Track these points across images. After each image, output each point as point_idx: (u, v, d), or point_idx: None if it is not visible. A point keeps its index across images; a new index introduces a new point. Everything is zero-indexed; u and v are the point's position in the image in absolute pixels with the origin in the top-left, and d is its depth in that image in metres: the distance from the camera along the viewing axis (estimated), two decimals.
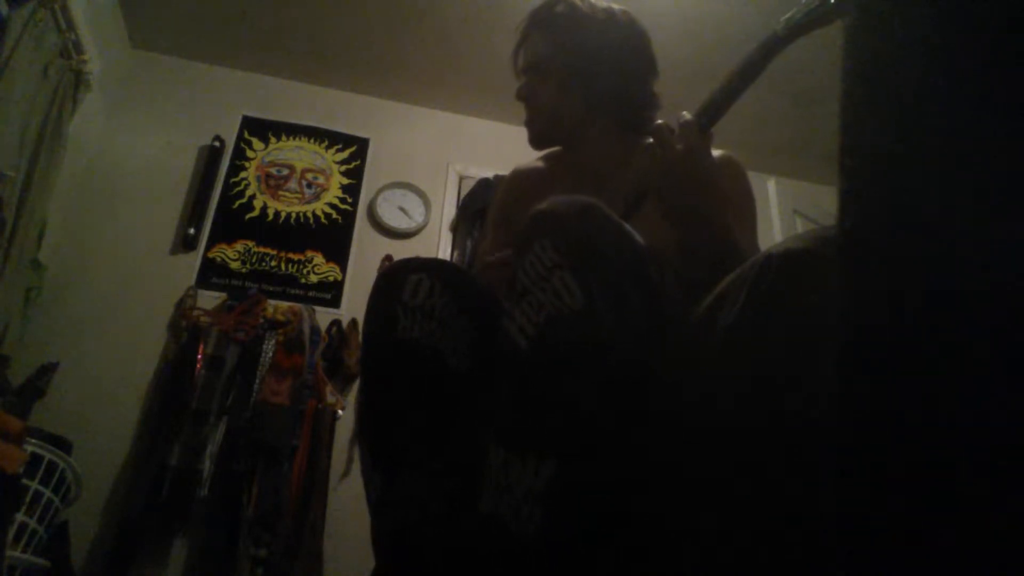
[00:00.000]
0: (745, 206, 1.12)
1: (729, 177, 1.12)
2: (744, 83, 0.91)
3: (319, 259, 3.03)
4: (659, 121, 0.96)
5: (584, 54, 1.19)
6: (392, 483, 0.85)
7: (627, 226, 0.79)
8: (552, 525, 0.67)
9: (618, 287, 0.72)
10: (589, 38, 1.19)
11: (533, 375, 0.72)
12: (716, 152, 1.11)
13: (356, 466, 2.68)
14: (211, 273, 2.91)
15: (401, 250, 3.09)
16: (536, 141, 1.26)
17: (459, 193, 3.29)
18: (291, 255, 3.01)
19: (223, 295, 2.83)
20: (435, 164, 3.35)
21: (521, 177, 1.29)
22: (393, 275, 0.90)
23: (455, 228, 3.21)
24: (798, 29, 0.84)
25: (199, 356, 2.61)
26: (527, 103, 1.23)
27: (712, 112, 0.94)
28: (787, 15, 0.85)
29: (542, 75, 1.21)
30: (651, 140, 0.95)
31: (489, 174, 3.16)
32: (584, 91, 1.19)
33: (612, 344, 0.70)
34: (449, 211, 3.25)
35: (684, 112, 0.96)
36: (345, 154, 3.26)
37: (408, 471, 0.84)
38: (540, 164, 1.29)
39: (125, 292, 2.79)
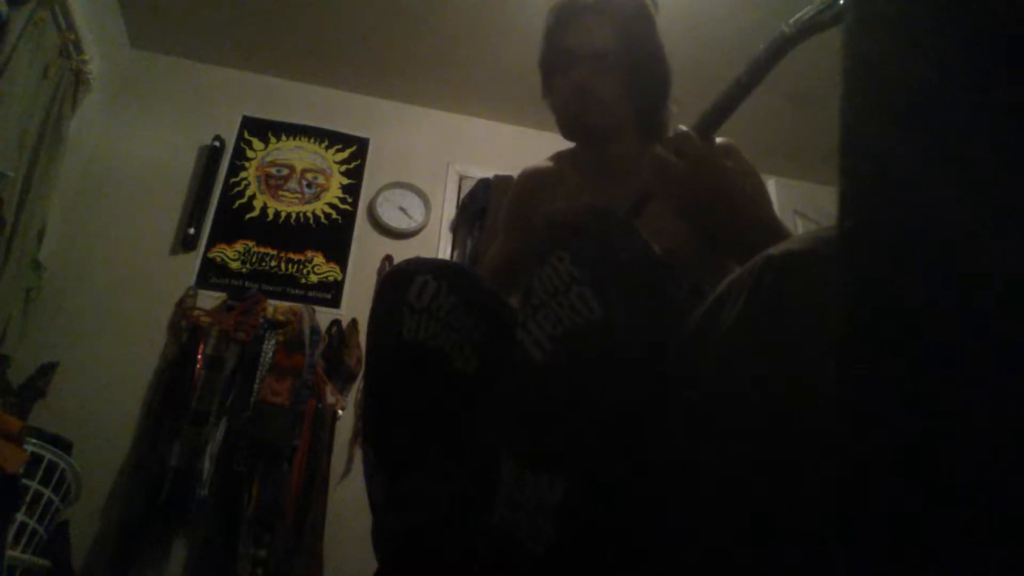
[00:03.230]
0: (756, 188, 1.12)
1: (735, 163, 1.12)
2: (751, 83, 0.91)
3: (319, 259, 3.03)
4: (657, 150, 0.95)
5: (645, 55, 1.15)
6: (396, 484, 0.85)
7: (643, 235, 0.78)
8: (563, 540, 0.67)
9: (635, 299, 0.72)
10: (649, 38, 1.15)
11: (549, 390, 0.72)
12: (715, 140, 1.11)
13: (356, 466, 2.68)
14: (211, 273, 2.91)
15: (401, 250, 3.09)
16: (573, 133, 1.18)
17: (459, 193, 3.29)
18: (291, 255, 3.01)
19: (223, 295, 2.83)
20: (435, 164, 3.35)
21: (532, 178, 1.27)
22: (399, 276, 0.90)
23: (455, 228, 3.21)
24: (807, 29, 0.84)
25: (199, 356, 2.61)
26: (578, 92, 1.12)
27: (717, 115, 0.94)
28: (796, 15, 0.84)
29: (605, 68, 1.12)
30: (655, 152, 0.95)
31: (489, 174, 3.15)
32: (636, 93, 1.15)
33: (630, 360, 0.70)
34: (449, 211, 3.25)
35: (681, 125, 0.96)
36: (345, 154, 3.26)
37: (412, 473, 0.84)
38: (550, 164, 1.27)
39: (125, 292, 2.79)
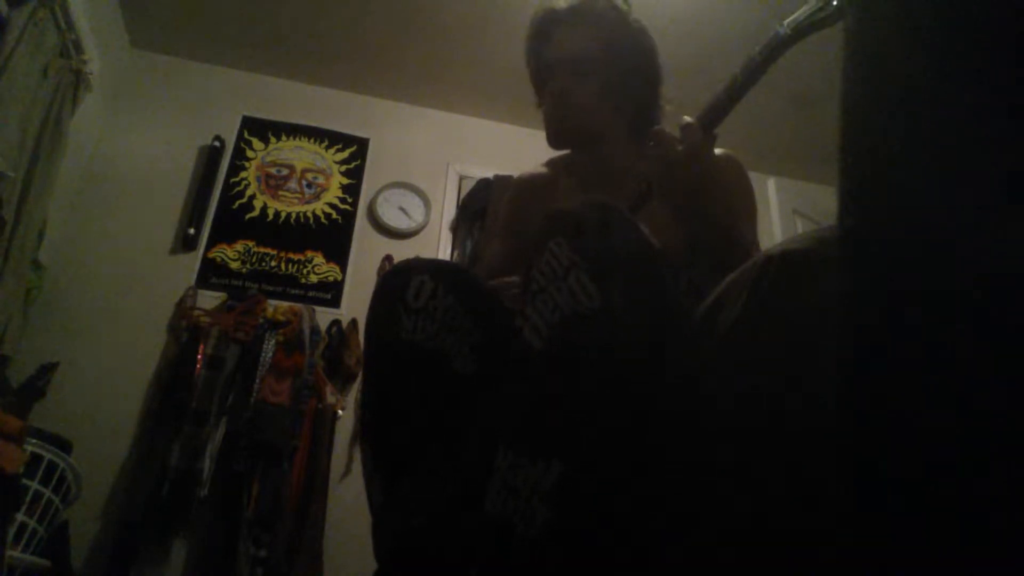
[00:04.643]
0: (747, 203, 1.14)
1: (731, 175, 1.13)
2: (747, 84, 0.91)
3: (319, 259, 3.03)
4: (658, 127, 0.98)
5: (627, 57, 1.18)
6: (395, 486, 0.85)
7: (642, 227, 0.78)
8: (557, 525, 0.67)
9: (634, 289, 0.72)
10: (630, 41, 1.19)
11: (546, 376, 0.72)
12: (717, 151, 1.13)
13: (356, 466, 2.68)
14: (211, 273, 2.91)
15: (401, 250, 3.09)
16: (560, 140, 1.22)
17: (459, 193, 3.29)
18: (291, 255, 3.01)
19: (223, 295, 2.83)
20: (435, 164, 3.35)
21: (527, 184, 1.28)
22: (396, 277, 0.90)
23: (455, 228, 3.21)
24: (801, 30, 0.84)
25: (199, 356, 2.60)
26: (558, 99, 1.17)
27: (715, 114, 0.95)
28: (791, 16, 0.85)
29: (583, 73, 1.16)
30: (661, 129, 0.97)
31: (489, 174, 3.15)
32: (619, 95, 1.19)
33: (627, 346, 0.70)
34: (449, 211, 3.25)
35: (685, 116, 0.97)
36: (345, 154, 3.26)
37: (412, 474, 0.84)
38: (544, 170, 1.28)
39: (125, 292, 2.79)
